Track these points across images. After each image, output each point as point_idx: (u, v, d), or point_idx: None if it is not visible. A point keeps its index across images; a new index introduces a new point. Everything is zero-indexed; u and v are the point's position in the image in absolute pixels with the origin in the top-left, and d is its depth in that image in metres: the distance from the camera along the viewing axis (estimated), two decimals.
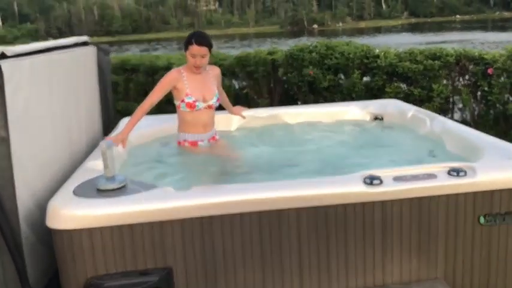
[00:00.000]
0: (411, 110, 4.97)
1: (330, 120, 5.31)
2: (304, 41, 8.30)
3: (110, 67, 5.46)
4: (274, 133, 5.02)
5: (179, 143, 4.46)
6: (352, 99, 6.87)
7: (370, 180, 3.00)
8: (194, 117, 4.34)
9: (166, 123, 4.77)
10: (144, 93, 8.21)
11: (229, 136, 4.95)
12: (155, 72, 7.88)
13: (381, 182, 3.01)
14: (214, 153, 4.43)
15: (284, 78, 7.62)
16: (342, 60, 7.08)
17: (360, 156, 4.23)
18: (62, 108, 4.04)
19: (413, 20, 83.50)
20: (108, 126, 5.25)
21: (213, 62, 7.60)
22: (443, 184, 3.03)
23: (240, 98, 7.90)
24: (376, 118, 5.28)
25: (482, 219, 3.08)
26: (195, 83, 4.29)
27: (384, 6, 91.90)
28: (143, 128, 4.63)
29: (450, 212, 3.06)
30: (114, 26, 50.22)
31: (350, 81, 6.95)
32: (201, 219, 2.92)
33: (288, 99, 7.88)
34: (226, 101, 5.00)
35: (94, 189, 3.09)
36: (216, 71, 4.54)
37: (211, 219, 2.92)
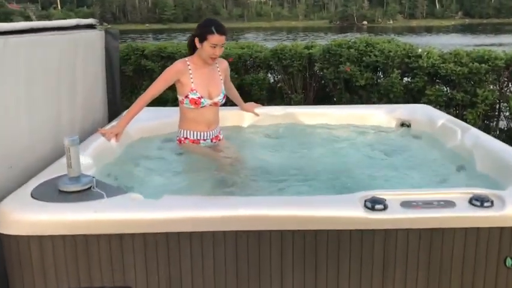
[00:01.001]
0: (442, 119, 4.39)
1: (352, 124, 4.79)
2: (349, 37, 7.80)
3: (119, 52, 5.08)
4: (287, 135, 4.57)
5: (179, 140, 4.06)
6: (390, 100, 6.55)
7: (372, 205, 2.49)
8: (198, 114, 3.96)
9: (172, 117, 4.33)
10: None
11: (238, 135, 4.54)
12: None
13: (385, 207, 2.49)
14: (215, 155, 4.02)
15: (320, 74, 7.26)
16: (381, 58, 6.63)
17: (377, 167, 3.73)
18: (47, 94, 3.68)
19: (467, 21, 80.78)
20: (115, 115, 4.89)
21: (249, 53, 7.46)
22: (463, 215, 2.50)
23: (274, 92, 7.67)
24: (403, 124, 4.73)
25: (509, 262, 2.50)
26: (202, 77, 3.92)
27: (437, 5, 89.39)
28: (146, 121, 4.30)
29: (469, 249, 2.51)
30: (166, 14, 50.64)
31: (388, 81, 6.54)
32: (167, 235, 2.48)
33: (323, 96, 7.56)
34: (236, 96, 4.61)
35: (56, 190, 2.71)
36: (223, 64, 4.18)
37: (178, 236, 2.48)
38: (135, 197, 2.63)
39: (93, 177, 2.80)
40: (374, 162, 3.87)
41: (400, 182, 3.37)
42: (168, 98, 6.35)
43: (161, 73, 3.92)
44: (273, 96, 7.69)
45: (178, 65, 3.90)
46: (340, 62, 6.83)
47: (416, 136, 4.46)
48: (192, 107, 3.89)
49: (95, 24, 4.68)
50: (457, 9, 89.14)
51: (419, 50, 6.63)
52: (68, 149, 2.67)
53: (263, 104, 7.69)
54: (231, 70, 7.48)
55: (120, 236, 2.46)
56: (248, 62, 7.60)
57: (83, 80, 4.32)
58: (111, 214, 2.49)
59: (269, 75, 7.79)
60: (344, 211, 2.50)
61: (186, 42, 4.04)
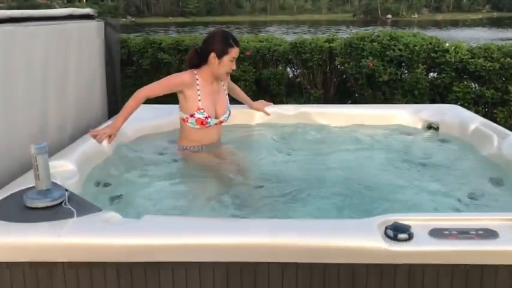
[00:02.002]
0: (475, 122, 3.89)
1: (372, 126, 4.32)
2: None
3: (119, 45, 4.68)
4: (299, 137, 4.12)
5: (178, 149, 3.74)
6: (414, 96, 6.28)
7: (394, 233, 2.03)
8: (203, 135, 3.64)
9: (172, 115, 3.95)
10: None
11: (245, 136, 4.15)
12: None
13: (410, 236, 2.03)
14: (218, 164, 3.62)
15: (341, 68, 7.02)
16: (406, 53, 6.33)
17: (399, 178, 3.26)
18: (29, 91, 3.30)
19: (495, 14, 78.59)
20: (115, 113, 4.52)
21: (268, 47, 7.26)
22: (508, 249, 2.02)
23: (293, 87, 7.45)
24: (430, 127, 4.25)
25: None
26: (209, 94, 3.59)
27: None
28: (145, 120, 3.98)
29: None
30: (189, 7, 50.57)
31: (413, 77, 6.23)
32: (145, 265, 2.06)
33: (344, 91, 7.32)
34: (242, 95, 4.28)
35: (21, 206, 2.31)
36: (227, 79, 3.87)
37: (158, 266, 2.06)
38: (110, 216, 2.23)
39: (67, 190, 2.41)
40: (396, 172, 3.39)
41: (425, 198, 2.89)
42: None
43: (167, 75, 3.70)
44: (292, 92, 7.44)
45: (185, 76, 3.57)
46: (362, 56, 6.58)
47: (445, 140, 3.98)
48: (198, 127, 3.57)
49: (93, 15, 4.30)
50: (484, 2, 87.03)
51: (447, 44, 6.31)
52: (35, 157, 2.27)
53: (281, 100, 7.43)
54: (248, 64, 7.26)
55: (90, 265, 2.06)
56: (267, 55, 7.35)
57: (76, 75, 3.95)
58: (78, 238, 2.08)
59: (288, 69, 7.57)
60: (359, 240, 2.04)
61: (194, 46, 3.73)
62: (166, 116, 3.89)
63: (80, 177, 2.91)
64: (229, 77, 3.83)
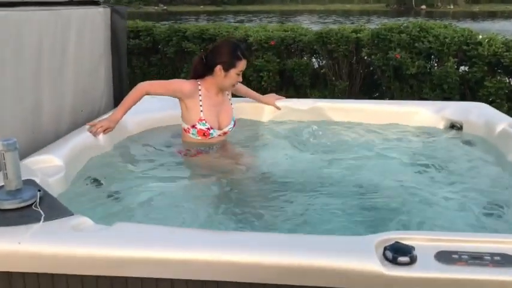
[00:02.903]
0: (503, 122, 3.52)
1: (390, 124, 4.01)
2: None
3: (126, 32, 4.47)
4: (311, 135, 3.81)
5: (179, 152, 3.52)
6: (443, 91, 6.02)
7: (394, 255, 1.73)
8: (204, 145, 3.45)
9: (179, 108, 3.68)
10: None
11: (254, 132, 3.90)
12: None
13: (412, 260, 1.73)
14: (221, 164, 3.40)
15: (368, 60, 6.82)
16: (435, 45, 6.07)
17: (413, 184, 2.93)
18: (19, 80, 3.10)
19: None
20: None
21: (293, 36, 7.11)
22: None
23: (318, 78, 7.27)
24: (453, 126, 3.92)
25: None
26: (212, 105, 3.41)
27: None
28: (149, 112, 3.80)
29: None
30: None
31: (443, 70, 5.99)
32: (112, 280, 1.83)
33: (371, 84, 7.15)
34: (250, 93, 4.08)
35: None
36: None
37: (126, 281, 1.83)
38: (80, 222, 2.01)
39: (39, 190, 2.20)
40: (410, 177, 3.08)
41: (440, 210, 2.58)
42: None
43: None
44: (316, 83, 7.28)
45: (186, 85, 3.39)
46: (389, 48, 6.36)
47: (468, 142, 3.65)
48: (199, 138, 3.39)
49: (98, 1, 4.10)
50: None
51: (480, 37, 5.99)
52: (3, 155, 2.06)
53: (305, 92, 7.19)
54: (272, 54, 7.05)
55: (52, 277, 1.84)
56: (291, 45, 7.17)
57: (76, 63, 3.75)
58: (39, 246, 1.86)
59: (313, 60, 7.39)
60: (352, 262, 1.75)
61: (198, 61, 3.51)
62: (172, 108, 3.64)
63: (66, 173, 2.72)
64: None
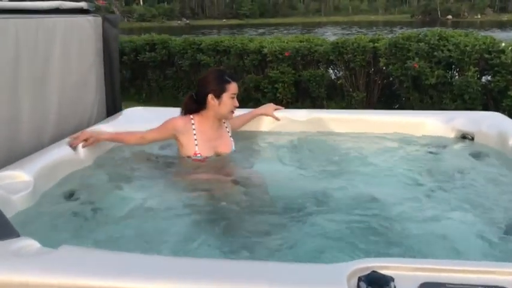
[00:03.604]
0: None
1: (395, 135, 3.80)
2: None
3: (119, 42, 4.37)
4: (310, 147, 3.67)
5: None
6: (464, 101, 5.87)
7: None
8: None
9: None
10: None
11: (251, 144, 3.74)
12: (246, 55, 7.43)
13: None
14: (212, 178, 3.20)
15: (386, 70, 6.70)
16: (456, 54, 5.93)
17: (417, 201, 2.70)
18: None
19: None
20: (114, 112, 4.26)
21: (308, 47, 7.06)
22: None
23: (335, 90, 7.25)
24: (464, 137, 3.71)
25: None
26: (208, 140, 3.30)
27: None
28: (140, 123, 3.65)
29: None
30: (243, 9, 51.09)
31: (464, 80, 5.85)
32: None
33: (390, 95, 7.05)
34: (246, 116, 3.92)
35: None
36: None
37: None
38: (24, 245, 1.85)
39: None
40: (416, 194, 2.83)
41: (445, 231, 2.35)
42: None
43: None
44: (333, 94, 7.26)
45: (178, 121, 3.30)
46: (407, 57, 6.24)
47: (479, 154, 3.40)
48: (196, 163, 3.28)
49: (87, 9, 3.99)
50: None
51: (503, 44, 5.84)
52: None
53: (321, 103, 7.05)
54: (287, 65, 6.95)
55: None
56: (307, 56, 7.11)
57: (61, 74, 3.62)
58: None
59: (330, 71, 7.35)
60: None
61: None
62: (160, 120, 3.49)
63: (35, 189, 2.61)
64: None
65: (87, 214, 2.57)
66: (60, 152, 3.07)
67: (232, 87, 3.26)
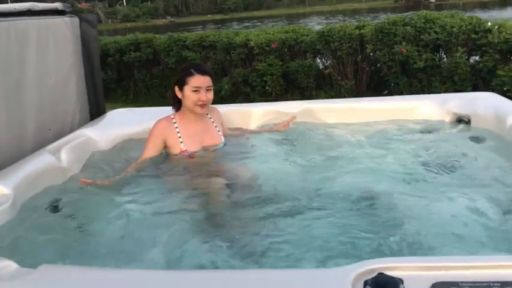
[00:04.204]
0: None
1: (389, 122, 3.72)
2: None
3: (98, 43, 4.24)
4: (303, 138, 3.57)
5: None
6: (454, 83, 5.87)
7: None
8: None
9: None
10: (222, 72, 7.43)
11: (242, 139, 3.60)
12: (232, 49, 7.37)
13: None
14: (203, 174, 3.11)
15: (373, 56, 6.71)
16: (443, 36, 5.92)
17: (417, 191, 2.60)
18: None
19: None
20: (98, 114, 4.15)
21: (294, 38, 7.01)
22: None
23: (323, 79, 7.18)
24: (459, 120, 3.63)
25: None
26: (192, 135, 3.22)
27: None
28: (125, 125, 3.64)
29: None
30: (227, 3, 50.67)
31: (452, 61, 5.85)
32: None
33: (378, 81, 7.01)
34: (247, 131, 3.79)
35: None
36: (215, 112, 3.51)
37: None
38: (0, 267, 1.77)
39: None
40: (413, 185, 2.72)
41: (445, 220, 2.25)
42: None
43: None
44: (322, 84, 7.21)
45: (161, 122, 3.24)
46: (394, 42, 6.22)
47: (477, 138, 3.31)
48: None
49: (63, 10, 3.85)
50: None
51: (489, 24, 5.80)
52: None
53: (310, 94, 6.99)
54: (274, 57, 6.89)
55: None
56: (294, 47, 7.08)
57: (38, 78, 3.48)
58: None
59: (318, 60, 7.27)
60: None
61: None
62: (146, 121, 3.42)
63: (14, 202, 2.49)
64: (224, 125, 3.53)
65: (72, 226, 2.46)
66: (41, 161, 2.95)
67: (194, 80, 3.14)
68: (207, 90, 3.16)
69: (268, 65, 6.94)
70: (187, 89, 3.14)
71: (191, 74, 3.14)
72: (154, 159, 3.18)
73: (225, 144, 3.34)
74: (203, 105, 3.17)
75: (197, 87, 3.13)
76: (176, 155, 3.17)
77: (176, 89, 3.19)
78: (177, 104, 3.28)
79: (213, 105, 3.47)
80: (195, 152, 3.18)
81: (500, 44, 5.46)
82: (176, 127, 3.20)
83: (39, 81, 3.50)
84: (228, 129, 3.62)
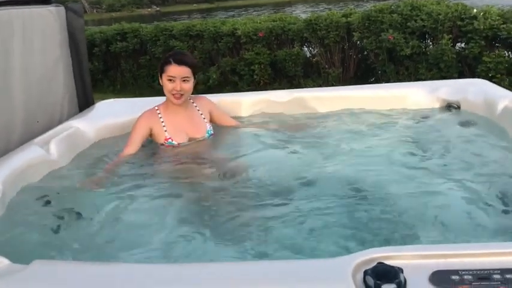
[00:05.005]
0: (505, 99, 3.19)
1: (379, 110, 3.70)
2: None
3: (84, 33, 4.12)
4: (293, 128, 3.53)
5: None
6: (440, 70, 5.89)
7: (377, 283, 1.36)
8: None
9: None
10: (210, 61, 7.42)
11: (231, 130, 3.55)
12: (220, 38, 7.33)
13: (400, 286, 1.37)
14: (193, 165, 3.11)
15: (360, 44, 6.72)
16: (429, 23, 5.94)
17: (407, 178, 2.59)
18: None
19: None
20: (87, 105, 4.07)
21: (281, 26, 6.98)
22: None
23: (311, 67, 7.18)
24: (449, 106, 3.62)
25: None
26: (177, 121, 3.21)
27: None
28: (115, 116, 3.56)
29: None
30: None
31: (438, 48, 5.84)
32: None
33: (366, 69, 7.03)
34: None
35: None
36: (203, 100, 3.46)
37: None
38: None
39: None
40: (404, 169, 2.71)
41: (439, 207, 2.24)
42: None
43: None
44: (309, 72, 7.18)
45: (145, 114, 3.22)
46: (381, 30, 6.22)
47: (467, 123, 3.30)
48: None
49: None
50: None
51: (475, 10, 5.81)
52: None
53: (298, 82, 6.99)
54: (262, 46, 6.86)
55: None
56: (281, 35, 7.06)
57: (24, 70, 3.38)
58: None
59: (305, 49, 7.27)
60: None
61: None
62: (135, 112, 3.34)
63: (3, 197, 2.42)
64: (220, 112, 3.49)
65: (64, 220, 2.39)
66: (30, 153, 2.87)
67: (170, 69, 3.10)
68: (184, 80, 3.11)
69: (256, 54, 6.93)
70: (164, 77, 3.12)
71: (168, 63, 3.12)
72: (140, 151, 3.16)
73: (211, 134, 3.32)
74: (178, 96, 3.14)
75: (172, 76, 3.09)
76: (162, 144, 3.16)
77: (159, 76, 3.20)
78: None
79: (202, 95, 3.46)
80: (180, 143, 3.17)
81: (486, 31, 5.48)
82: (160, 117, 3.19)
83: (26, 73, 3.41)
84: (234, 121, 3.58)
